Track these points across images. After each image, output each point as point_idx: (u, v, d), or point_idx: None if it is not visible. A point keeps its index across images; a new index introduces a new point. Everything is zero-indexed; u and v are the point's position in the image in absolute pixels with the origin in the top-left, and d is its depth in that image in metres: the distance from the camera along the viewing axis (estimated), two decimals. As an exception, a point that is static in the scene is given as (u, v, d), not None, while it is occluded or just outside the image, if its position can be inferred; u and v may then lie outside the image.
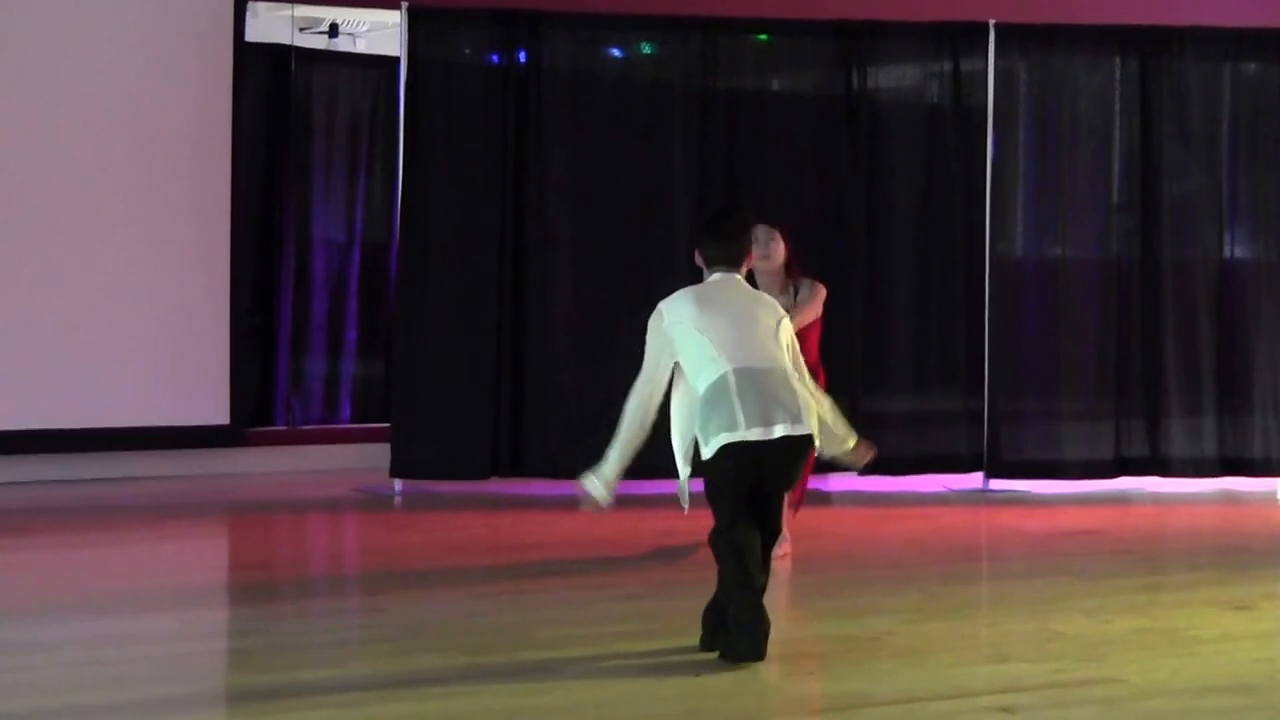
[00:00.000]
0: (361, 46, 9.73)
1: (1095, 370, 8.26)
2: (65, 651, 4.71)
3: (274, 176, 9.02)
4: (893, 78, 8.42)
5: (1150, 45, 8.28)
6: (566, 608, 5.40)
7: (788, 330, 4.86)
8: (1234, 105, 8.35)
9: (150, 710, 4.12)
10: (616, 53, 8.29)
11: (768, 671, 4.48)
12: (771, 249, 6.14)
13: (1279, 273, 8.38)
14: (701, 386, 4.67)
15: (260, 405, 8.92)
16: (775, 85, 8.46)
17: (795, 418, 4.60)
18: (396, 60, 8.10)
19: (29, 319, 7.86)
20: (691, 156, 8.05)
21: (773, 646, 4.58)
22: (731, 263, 4.84)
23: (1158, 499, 8.11)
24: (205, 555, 6.75)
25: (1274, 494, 8.22)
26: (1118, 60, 8.32)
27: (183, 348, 8.17)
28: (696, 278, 5.01)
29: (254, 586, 5.87)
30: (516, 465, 7.92)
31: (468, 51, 8.17)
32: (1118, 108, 8.31)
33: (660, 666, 4.55)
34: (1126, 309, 8.27)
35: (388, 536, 6.98)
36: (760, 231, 6.16)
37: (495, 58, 8.08)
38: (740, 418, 4.56)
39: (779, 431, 4.57)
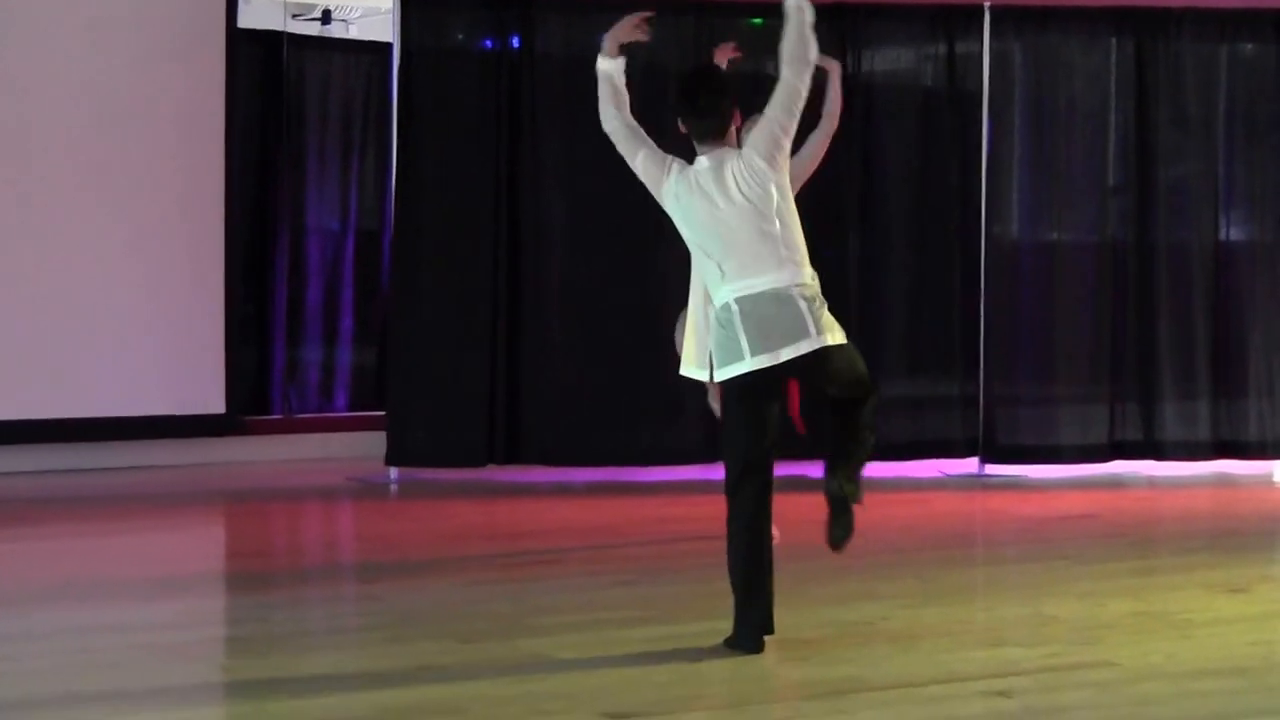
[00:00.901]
0: (354, 33, 9.71)
1: (1090, 354, 8.26)
2: (61, 640, 4.71)
3: (267, 164, 9.00)
4: (887, 60, 8.40)
5: (1146, 26, 8.25)
6: (563, 594, 5.40)
7: (773, 197, 4.56)
8: (1230, 86, 8.33)
9: (147, 698, 4.11)
10: (610, 37, 8.26)
11: (764, 657, 4.48)
12: None
13: (1274, 255, 8.38)
14: (714, 302, 4.61)
15: (256, 394, 8.91)
16: (770, 69, 8.42)
17: (801, 333, 4.48)
18: (389, 46, 8.08)
19: (23, 309, 7.84)
20: (687, 141, 8.01)
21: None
22: (715, 135, 4.67)
23: (1152, 482, 8.11)
24: (202, 544, 6.74)
25: (1268, 476, 8.23)
26: (1113, 42, 8.30)
27: (178, 337, 8.15)
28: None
29: (250, 575, 5.87)
30: (512, 453, 7.92)
31: (461, 37, 8.15)
32: (1113, 90, 8.30)
33: (657, 653, 4.55)
34: (1122, 292, 8.26)
35: (384, 524, 6.98)
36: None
37: (488, 43, 8.06)
38: (745, 346, 4.47)
39: (786, 355, 4.48)
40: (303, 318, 9.12)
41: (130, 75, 8.05)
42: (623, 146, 4.74)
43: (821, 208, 8.23)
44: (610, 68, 4.73)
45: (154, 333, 8.11)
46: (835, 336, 4.58)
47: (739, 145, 4.78)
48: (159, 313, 8.12)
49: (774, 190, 4.56)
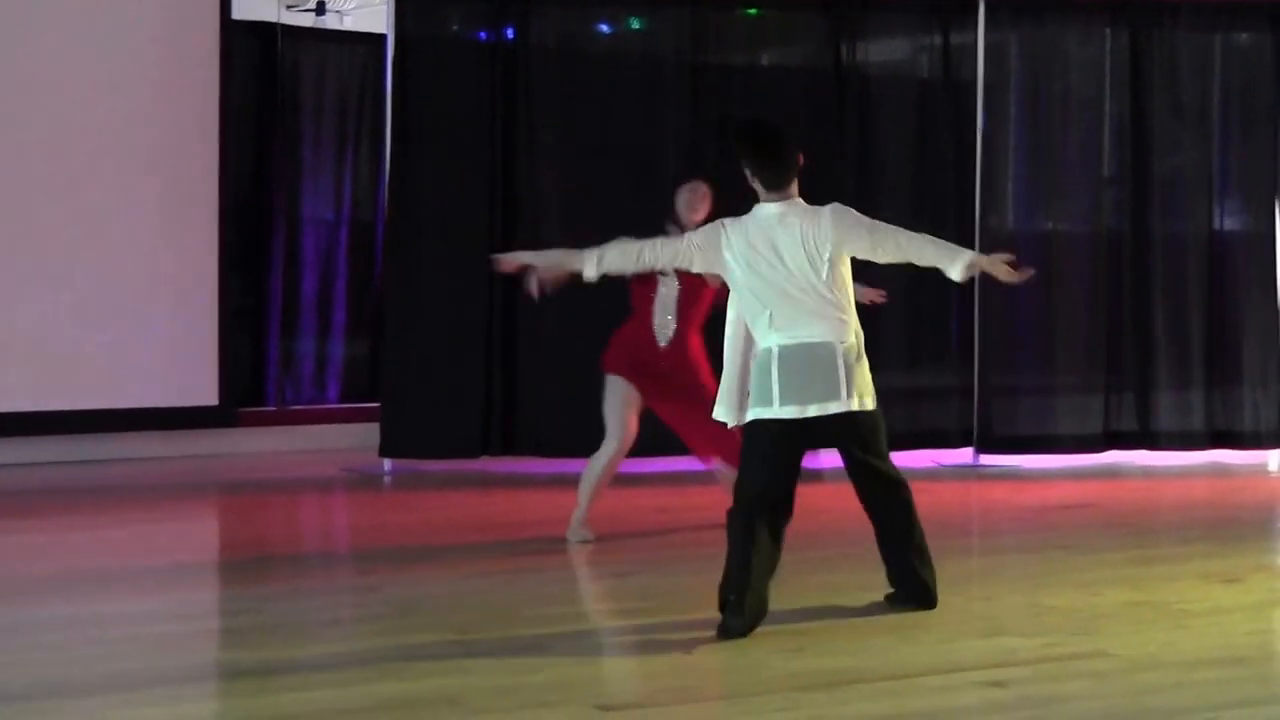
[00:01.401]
0: (349, 24, 9.69)
1: (1085, 344, 8.27)
2: (59, 631, 4.70)
3: (262, 156, 8.98)
4: (883, 52, 8.39)
5: (1141, 17, 8.26)
6: (558, 586, 5.40)
7: (824, 270, 4.77)
8: (1224, 77, 8.33)
9: (143, 689, 4.11)
10: (605, 28, 8.25)
11: (760, 648, 4.48)
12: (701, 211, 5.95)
13: (1268, 245, 8.39)
14: (758, 344, 4.72)
15: (250, 385, 8.90)
16: (765, 60, 8.44)
17: (832, 394, 4.63)
18: (384, 38, 8.06)
19: (16, 300, 7.83)
20: (681, 131, 8.02)
21: (764, 623, 4.59)
22: (785, 185, 4.79)
23: (1148, 472, 8.11)
24: (197, 535, 6.74)
25: (1263, 466, 8.24)
26: (1108, 33, 8.30)
27: (172, 329, 8.14)
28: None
29: (246, 566, 5.86)
30: (507, 444, 7.91)
31: (456, 28, 8.13)
32: (1108, 80, 8.30)
33: (653, 644, 4.55)
34: (1117, 282, 8.27)
35: (379, 516, 6.98)
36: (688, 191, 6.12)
37: (483, 34, 8.05)
38: (775, 394, 4.62)
39: (813, 410, 4.62)
40: (297, 309, 9.11)
41: (125, 66, 8.03)
42: (679, 261, 4.87)
43: (818, 200, 8.24)
44: (591, 266, 4.88)
45: (148, 324, 8.09)
46: (866, 401, 4.71)
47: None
48: (153, 304, 8.11)
49: (825, 267, 4.76)
